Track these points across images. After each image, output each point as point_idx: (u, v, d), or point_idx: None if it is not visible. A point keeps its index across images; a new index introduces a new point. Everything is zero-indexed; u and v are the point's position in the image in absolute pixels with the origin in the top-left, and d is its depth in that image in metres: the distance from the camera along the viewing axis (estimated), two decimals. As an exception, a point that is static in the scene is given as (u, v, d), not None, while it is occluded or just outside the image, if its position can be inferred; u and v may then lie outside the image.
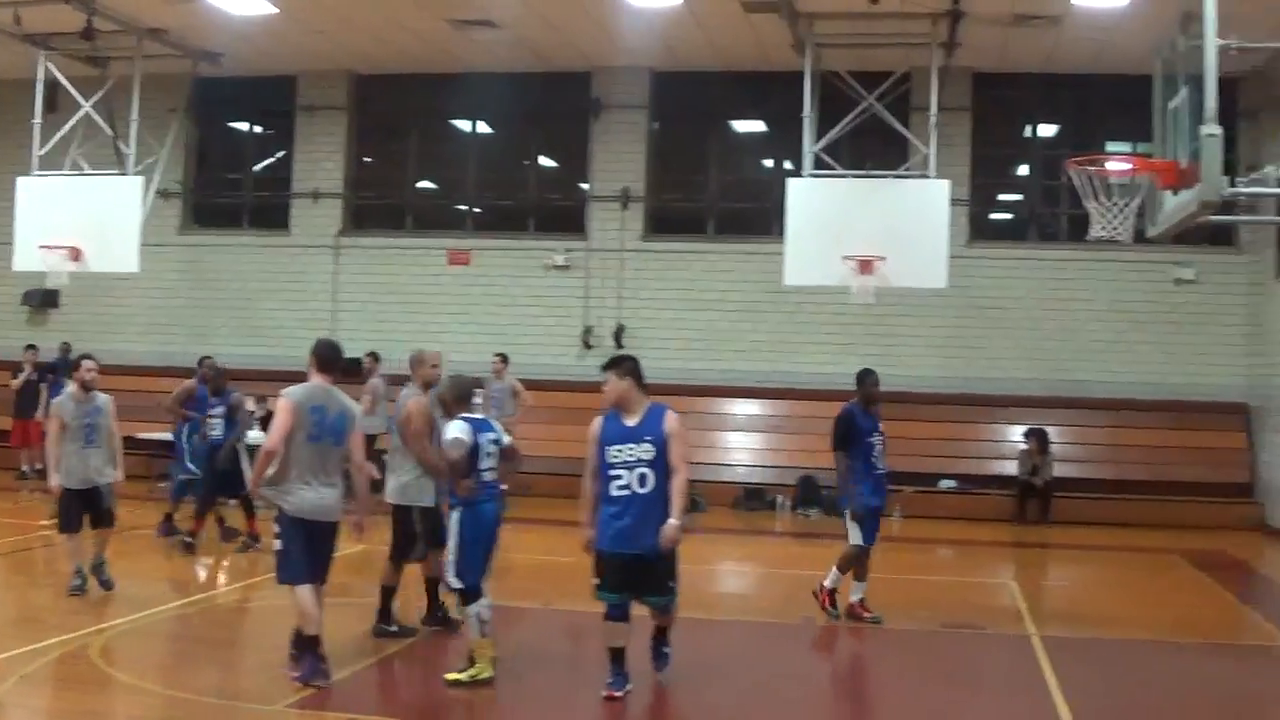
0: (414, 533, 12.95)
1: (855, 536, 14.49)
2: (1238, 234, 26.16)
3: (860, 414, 14.69)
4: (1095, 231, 13.25)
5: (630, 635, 11.00)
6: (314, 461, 11.06)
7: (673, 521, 10.61)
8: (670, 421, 10.87)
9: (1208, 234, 25.76)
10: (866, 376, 14.88)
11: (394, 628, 13.10)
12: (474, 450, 11.42)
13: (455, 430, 11.41)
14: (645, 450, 10.71)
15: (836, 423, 14.76)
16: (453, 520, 11.44)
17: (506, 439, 12.10)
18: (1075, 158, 13.49)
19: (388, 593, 13.10)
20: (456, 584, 11.35)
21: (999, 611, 16.01)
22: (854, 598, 14.60)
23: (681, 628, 12.37)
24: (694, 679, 11.92)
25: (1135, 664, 13.50)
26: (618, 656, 10.95)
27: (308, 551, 11.07)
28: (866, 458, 14.49)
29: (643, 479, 10.69)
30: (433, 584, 13.11)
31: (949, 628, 14.63)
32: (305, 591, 11.04)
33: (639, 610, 11.11)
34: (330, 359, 11.37)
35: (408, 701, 11.63)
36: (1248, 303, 25.92)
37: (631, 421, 10.84)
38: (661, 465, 10.73)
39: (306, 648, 11.02)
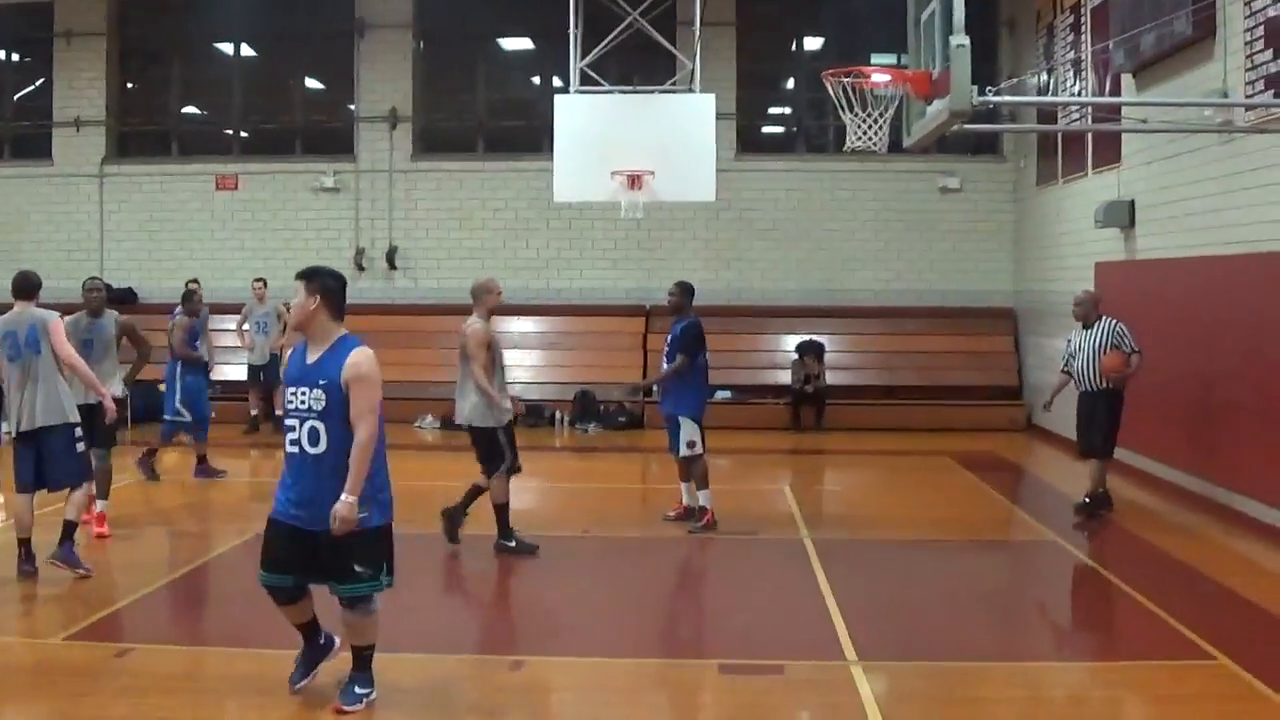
0: (499, 449, 13.67)
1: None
2: (1001, 142, 26.70)
3: None
4: (851, 142, 13.47)
5: (307, 611, 8.99)
6: (20, 377, 12.06)
7: (346, 498, 8.34)
8: (354, 361, 8.48)
9: (972, 143, 26.39)
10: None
11: (512, 543, 13.73)
12: None
13: None
14: (317, 397, 8.46)
15: (698, 331, 15.03)
16: None
17: None
18: (831, 70, 13.68)
19: (501, 510, 13.75)
20: None
21: (774, 517, 16.23)
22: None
23: (466, 543, 12.46)
24: (470, 591, 12.00)
25: (901, 562, 13.90)
26: (305, 634, 9.09)
27: (29, 460, 12.09)
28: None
29: (313, 435, 8.48)
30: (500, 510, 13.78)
31: (727, 534, 14.82)
32: (16, 499, 12.23)
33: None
34: (20, 287, 12.40)
35: (188, 627, 11.51)
36: (1013, 209, 26.49)
37: (313, 357, 8.61)
38: (338, 419, 8.46)
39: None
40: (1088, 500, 15.97)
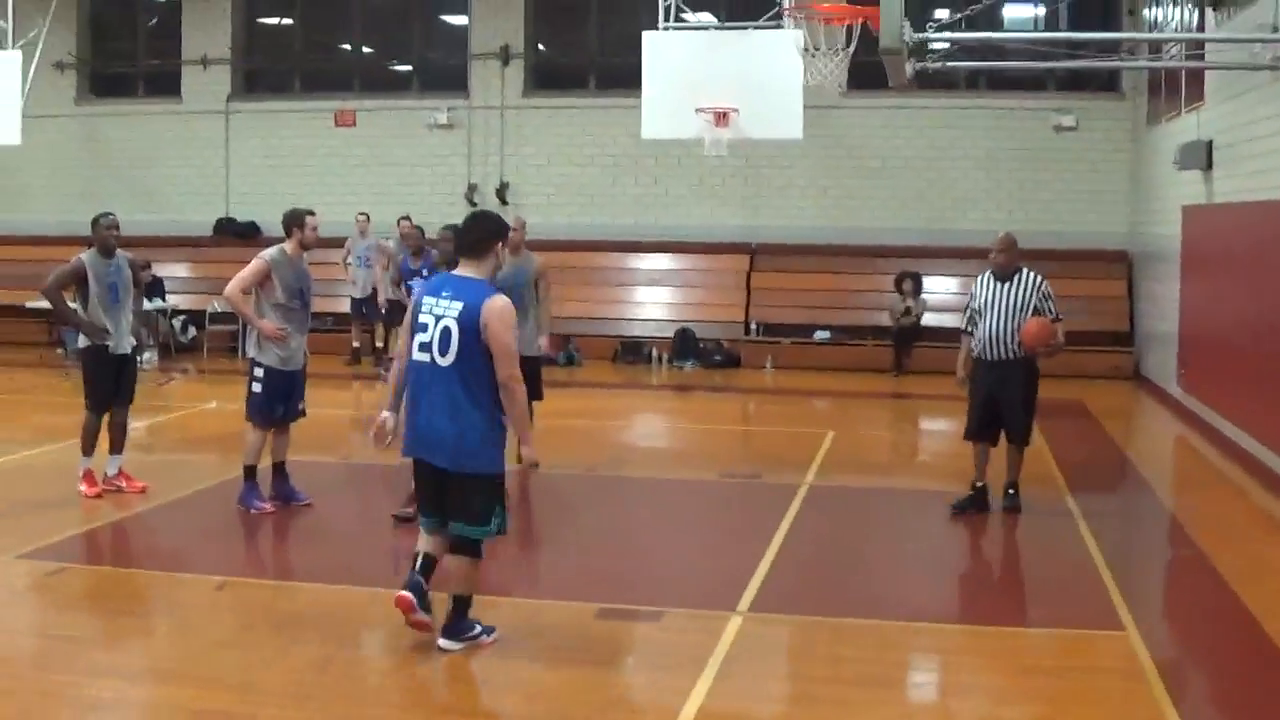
0: None
1: None
2: (1121, 80, 25.83)
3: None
4: (808, 80, 13.14)
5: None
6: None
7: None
8: None
9: (1091, 80, 25.60)
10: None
11: None
12: None
13: None
14: None
15: None
16: None
17: None
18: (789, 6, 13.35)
19: None
20: None
21: (791, 461, 15.72)
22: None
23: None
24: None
25: (883, 513, 13.63)
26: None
27: (273, 397, 12.37)
28: None
29: None
30: None
31: (726, 477, 14.66)
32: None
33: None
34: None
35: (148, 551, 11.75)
36: (1130, 150, 25.62)
37: None
38: None
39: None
40: (1011, 491, 13.27)
